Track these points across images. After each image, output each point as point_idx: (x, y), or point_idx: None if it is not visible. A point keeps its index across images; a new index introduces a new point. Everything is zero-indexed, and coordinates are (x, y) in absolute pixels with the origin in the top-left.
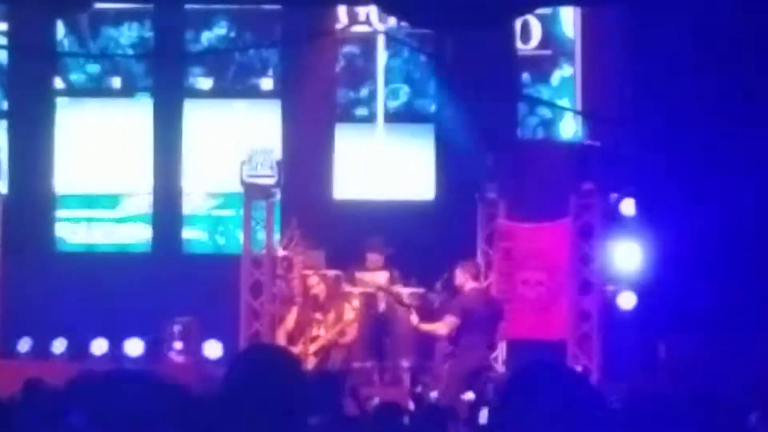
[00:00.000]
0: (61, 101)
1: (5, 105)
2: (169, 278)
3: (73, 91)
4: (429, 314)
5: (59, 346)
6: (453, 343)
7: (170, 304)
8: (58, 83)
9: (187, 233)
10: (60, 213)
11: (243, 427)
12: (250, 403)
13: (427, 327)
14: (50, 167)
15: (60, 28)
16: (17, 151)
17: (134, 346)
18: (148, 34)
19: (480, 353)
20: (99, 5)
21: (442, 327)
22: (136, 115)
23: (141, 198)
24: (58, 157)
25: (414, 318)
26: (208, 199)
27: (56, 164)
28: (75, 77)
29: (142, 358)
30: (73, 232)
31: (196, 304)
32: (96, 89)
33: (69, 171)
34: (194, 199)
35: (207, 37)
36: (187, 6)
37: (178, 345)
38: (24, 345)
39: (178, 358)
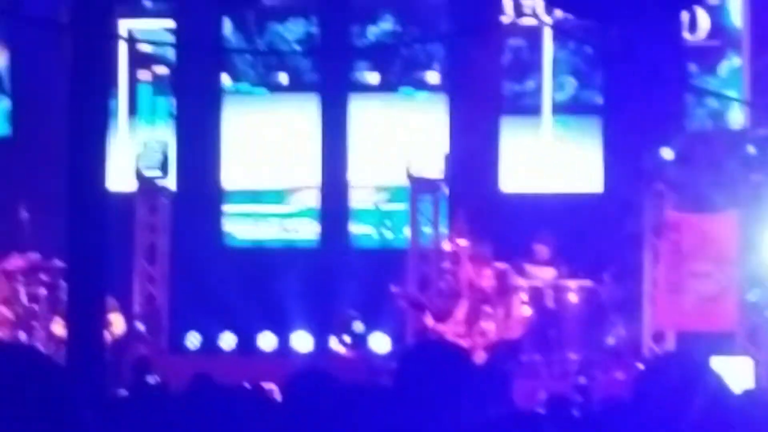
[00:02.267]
0: (228, 97)
1: (173, 102)
2: (336, 273)
3: (239, 87)
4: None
5: (227, 341)
6: None
7: (338, 299)
8: (225, 79)
9: (355, 228)
10: (227, 208)
11: (414, 421)
12: (421, 398)
13: (442, 327)
14: (217, 163)
15: (227, 25)
16: (185, 147)
17: (302, 341)
18: (315, 29)
19: None
20: (266, 1)
21: (455, 326)
22: (303, 110)
23: (308, 193)
24: (225, 153)
25: (429, 319)
26: (375, 194)
27: (223, 160)
28: (242, 73)
29: (311, 352)
30: (240, 227)
31: (364, 298)
32: (263, 85)
33: (236, 167)
34: (361, 193)
35: (373, 31)
36: (353, 1)
37: (346, 339)
38: (192, 340)
39: (347, 352)
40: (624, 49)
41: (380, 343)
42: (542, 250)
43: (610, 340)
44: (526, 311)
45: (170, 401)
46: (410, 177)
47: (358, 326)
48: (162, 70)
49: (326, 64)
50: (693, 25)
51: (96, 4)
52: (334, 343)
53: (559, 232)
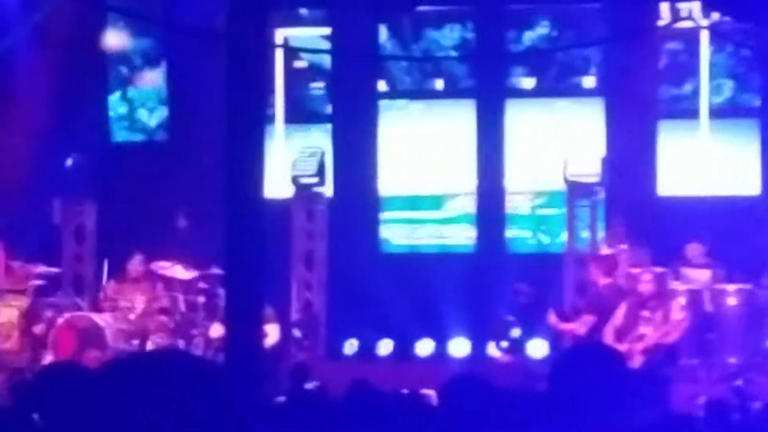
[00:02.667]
0: (384, 104)
1: (329, 109)
2: (493, 278)
3: (396, 94)
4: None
5: (385, 347)
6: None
7: (495, 304)
8: (381, 86)
9: (511, 232)
10: (384, 215)
11: (569, 426)
12: (576, 403)
13: (565, 327)
14: (374, 169)
15: (382, 32)
16: (342, 154)
17: (459, 346)
18: (470, 35)
19: None
20: (421, 8)
21: (580, 326)
22: (459, 115)
23: (465, 198)
24: (381, 159)
25: (552, 318)
26: (531, 198)
27: (380, 166)
28: (398, 80)
29: (468, 358)
30: (397, 233)
31: (521, 303)
32: (419, 91)
33: (393, 173)
34: (518, 198)
35: (529, 36)
36: (509, 6)
37: (503, 344)
38: (350, 347)
39: (504, 357)
40: None
41: (538, 348)
42: (697, 252)
43: None
44: (685, 315)
45: (328, 407)
46: (567, 181)
47: (515, 331)
48: (318, 77)
49: (482, 69)
50: None
51: (251, 13)
52: (491, 349)
53: (716, 235)
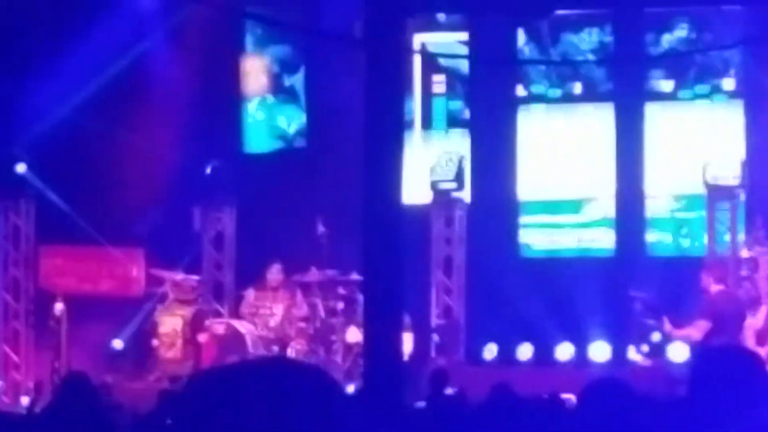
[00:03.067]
0: (522, 108)
1: (467, 114)
2: (632, 281)
3: (534, 98)
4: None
5: (525, 352)
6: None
7: (634, 307)
8: (520, 90)
9: (651, 236)
10: (523, 219)
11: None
12: (716, 407)
13: (680, 333)
14: (513, 174)
15: (521, 36)
16: (480, 159)
17: (600, 351)
18: (608, 38)
19: None
20: (559, 12)
21: (694, 332)
22: (598, 119)
23: (604, 202)
24: (520, 164)
25: (667, 325)
26: (671, 202)
27: (518, 171)
28: (536, 84)
29: (608, 362)
30: (536, 237)
31: (661, 306)
32: (557, 95)
33: (531, 177)
34: (657, 201)
35: (667, 39)
36: (647, 9)
37: (644, 348)
38: (490, 351)
39: (644, 362)
40: None
41: (679, 351)
42: None
43: None
44: None
45: (468, 412)
46: (707, 184)
47: (656, 335)
48: (456, 82)
49: (621, 73)
50: None
51: (390, 19)
52: (631, 353)
53: None
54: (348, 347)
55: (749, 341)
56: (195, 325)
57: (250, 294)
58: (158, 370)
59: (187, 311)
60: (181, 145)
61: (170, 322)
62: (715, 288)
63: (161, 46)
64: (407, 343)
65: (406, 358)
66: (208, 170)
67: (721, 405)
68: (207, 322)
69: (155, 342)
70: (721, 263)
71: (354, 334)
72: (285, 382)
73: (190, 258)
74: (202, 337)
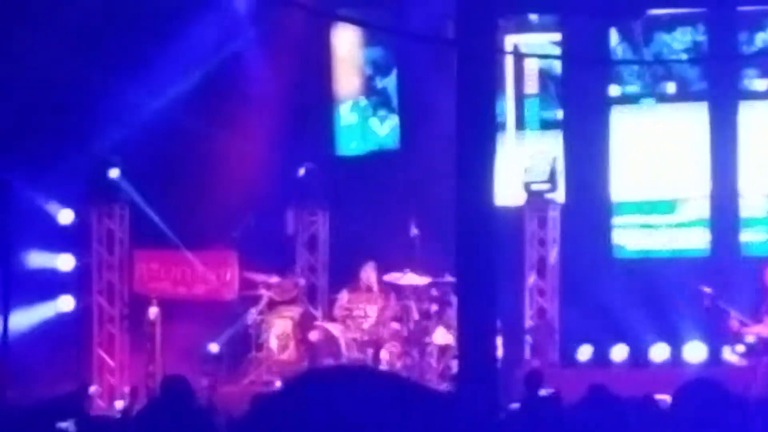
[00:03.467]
0: (615, 108)
1: (561, 114)
2: (728, 282)
3: (627, 98)
4: None
5: (619, 353)
6: None
7: (730, 308)
8: (613, 90)
9: (746, 236)
10: (617, 220)
11: None
12: None
13: (750, 330)
14: (606, 175)
15: (613, 36)
16: (573, 159)
17: (695, 351)
18: (701, 37)
19: None
20: (652, 11)
21: (763, 329)
22: (692, 119)
23: (698, 202)
24: (613, 165)
25: (734, 322)
26: (765, 201)
27: (612, 171)
28: (629, 84)
29: (703, 363)
30: (630, 238)
31: (756, 307)
32: (650, 95)
33: (625, 178)
34: (752, 201)
35: (761, 38)
36: (740, 8)
37: (739, 348)
38: (584, 353)
39: (740, 362)
40: None
41: None
42: None
43: None
44: None
45: (563, 413)
46: None
47: (750, 336)
48: (549, 83)
49: (714, 72)
50: None
51: (481, 20)
52: (727, 354)
53: None
54: (442, 349)
55: None
56: (304, 324)
57: (343, 296)
58: (253, 374)
59: (295, 312)
60: (274, 148)
61: (281, 324)
62: None
63: (255, 48)
64: (498, 346)
65: (500, 358)
66: (302, 173)
67: None
68: (317, 322)
69: (273, 343)
70: None
71: (441, 336)
72: (374, 388)
73: (283, 261)
74: (313, 336)
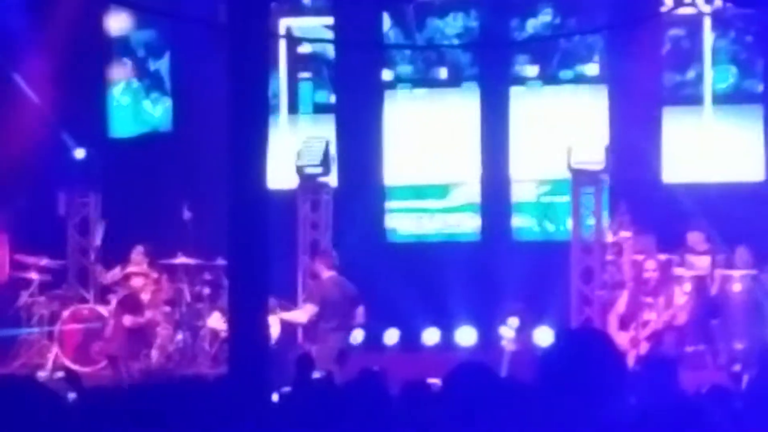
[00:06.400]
0: (388, 93)
1: (333, 98)
2: (499, 266)
3: (400, 83)
4: None
5: (392, 337)
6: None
7: (501, 292)
8: (385, 75)
9: (516, 221)
10: (389, 204)
11: (560, 410)
12: (567, 387)
13: (287, 316)
14: (379, 159)
15: (386, 21)
16: (346, 143)
17: (466, 335)
18: (473, 23)
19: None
20: None
21: (300, 314)
22: (463, 104)
23: (470, 187)
24: (386, 149)
25: (278, 310)
26: (536, 186)
27: (385, 156)
28: (401, 69)
29: (474, 347)
30: (403, 222)
31: (527, 291)
32: (422, 80)
33: (397, 162)
34: (522, 186)
35: (532, 24)
36: None
37: (509, 333)
38: (356, 336)
39: (510, 346)
40: None
41: (544, 336)
42: (698, 240)
43: None
44: (687, 299)
45: (334, 395)
46: (571, 169)
47: (521, 320)
48: (322, 67)
49: (486, 58)
50: None
51: (254, 3)
52: (497, 337)
53: (721, 220)
54: (215, 333)
55: (612, 326)
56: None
57: (114, 277)
58: (24, 356)
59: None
60: (45, 129)
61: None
62: (327, 274)
63: (26, 31)
64: (275, 327)
65: (273, 343)
66: (73, 155)
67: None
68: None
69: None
70: (330, 253)
71: (216, 320)
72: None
73: (54, 243)
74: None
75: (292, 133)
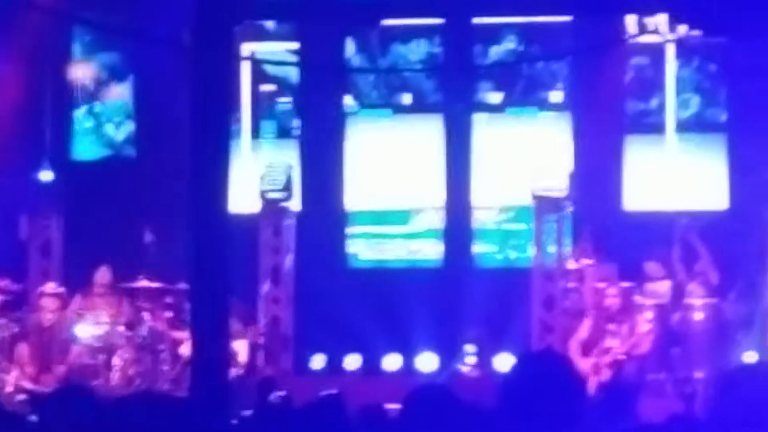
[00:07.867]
0: (351, 118)
1: (296, 123)
2: (461, 293)
3: (363, 108)
4: None
5: (353, 362)
6: None
7: (462, 319)
8: (348, 100)
9: (479, 247)
10: (351, 229)
11: None
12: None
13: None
14: (341, 184)
15: (350, 46)
16: (309, 169)
17: (427, 361)
18: (437, 49)
19: None
20: (388, 22)
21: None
22: (426, 130)
23: (432, 213)
24: (348, 174)
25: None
26: (499, 213)
27: (347, 181)
28: (365, 95)
29: (435, 373)
30: (364, 248)
31: (488, 317)
32: (386, 105)
33: (360, 187)
34: (485, 213)
35: (496, 51)
36: (476, 21)
37: (470, 359)
38: (317, 361)
39: (471, 372)
40: (749, 65)
41: (506, 363)
42: (655, 269)
43: (736, 358)
44: (650, 328)
45: (294, 420)
46: (534, 196)
47: (482, 347)
48: (285, 91)
49: (450, 84)
50: None
51: (218, 27)
52: (458, 364)
53: (682, 249)
54: (175, 356)
55: (574, 352)
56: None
57: (76, 300)
58: None
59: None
60: (7, 151)
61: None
62: None
63: None
64: (242, 351)
65: (240, 367)
66: (35, 178)
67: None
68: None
69: None
70: None
71: (177, 344)
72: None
73: (16, 266)
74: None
75: (254, 158)
